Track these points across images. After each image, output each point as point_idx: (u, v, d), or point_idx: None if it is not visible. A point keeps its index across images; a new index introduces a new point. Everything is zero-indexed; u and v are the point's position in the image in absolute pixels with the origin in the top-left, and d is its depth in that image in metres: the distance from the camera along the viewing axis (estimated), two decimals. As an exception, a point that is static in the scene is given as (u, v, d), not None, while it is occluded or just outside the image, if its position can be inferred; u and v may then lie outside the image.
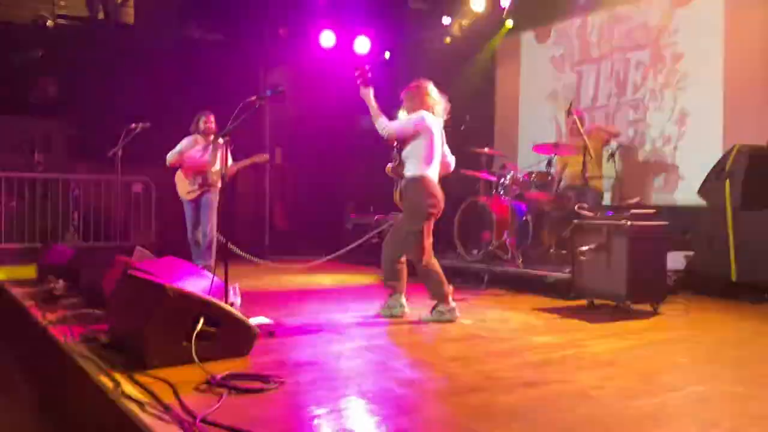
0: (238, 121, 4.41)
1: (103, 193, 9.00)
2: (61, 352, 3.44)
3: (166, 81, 9.29)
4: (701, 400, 2.87)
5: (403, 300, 4.81)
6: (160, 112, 7.32)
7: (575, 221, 5.59)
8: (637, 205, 6.24)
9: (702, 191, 6.34)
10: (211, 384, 2.83)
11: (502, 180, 7.32)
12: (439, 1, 9.99)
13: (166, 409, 2.52)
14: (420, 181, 4.64)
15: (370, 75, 4.80)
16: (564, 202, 6.83)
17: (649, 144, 7.77)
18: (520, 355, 3.64)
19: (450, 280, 4.74)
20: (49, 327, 3.93)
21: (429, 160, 4.65)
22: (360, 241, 8.33)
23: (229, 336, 3.32)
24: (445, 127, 4.90)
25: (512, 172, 7.36)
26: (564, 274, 5.83)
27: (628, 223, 5.05)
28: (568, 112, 6.74)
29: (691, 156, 7.28)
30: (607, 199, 7.62)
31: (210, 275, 4.19)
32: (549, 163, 7.27)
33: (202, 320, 3.17)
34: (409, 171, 4.69)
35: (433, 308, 4.65)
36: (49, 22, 9.48)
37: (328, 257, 8.37)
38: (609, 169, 7.33)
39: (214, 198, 6.50)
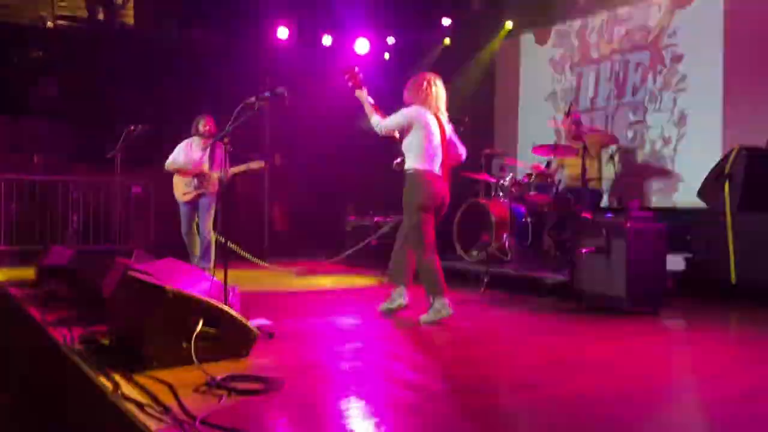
0: (237, 123, 4.41)
1: (102, 195, 8.99)
2: (60, 353, 3.44)
3: (166, 83, 9.29)
4: (701, 401, 2.87)
5: (405, 293, 4.81)
6: (159, 114, 7.32)
7: (574, 223, 5.59)
8: (637, 207, 6.24)
9: (701, 193, 6.34)
10: (211, 385, 2.82)
11: (502, 182, 7.33)
12: (438, 3, 10.01)
13: (166, 410, 2.51)
14: (415, 175, 4.66)
15: (361, 76, 4.83)
16: (563, 203, 6.84)
17: (649, 145, 7.77)
18: (519, 357, 3.64)
19: (449, 281, 4.75)
20: (48, 328, 3.93)
21: (425, 154, 4.65)
22: (363, 243, 8.32)
23: (229, 337, 3.32)
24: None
25: (511, 174, 7.37)
26: (563, 276, 5.83)
27: (628, 224, 5.06)
28: (567, 114, 6.75)
29: (690, 158, 7.28)
30: (606, 201, 7.62)
31: (209, 277, 4.18)
32: (548, 165, 7.27)
33: (201, 321, 3.17)
34: (407, 165, 4.72)
35: (429, 307, 4.65)
36: (49, 23, 9.49)
37: (333, 260, 8.37)
38: (608, 170, 7.34)
39: (211, 201, 6.50)
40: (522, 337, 4.25)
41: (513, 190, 7.17)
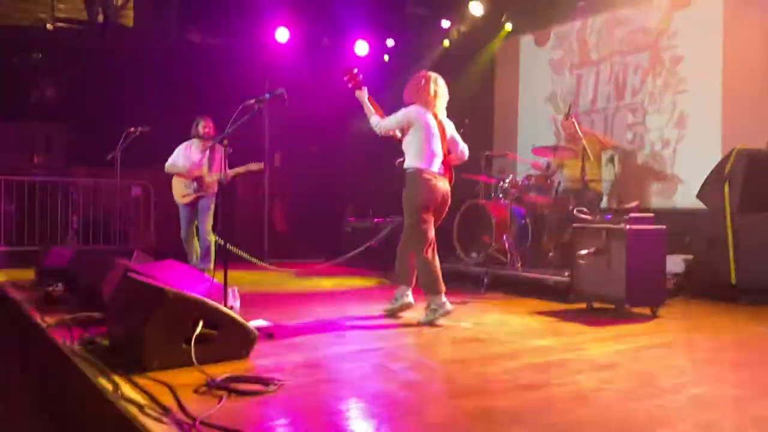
0: (236, 125, 4.42)
1: (102, 196, 9.00)
2: (60, 354, 3.44)
3: (166, 84, 9.30)
4: (701, 403, 2.87)
5: (409, 293, 4.82)
6: (159, 115, 7.32)
7: (574, 224, 5.59)
8: (636, 209, 6.25)
9: (701, 194, 6.35)
10: (211, 386, 2.82)
11: (501, 183, 7.33)
12: (438, 6, 10.01)
13: (166, 411, 2.51)
14: (414, 175, 4.67)
15: (360, 77, 4.85)
16: (563, 205, 6.84)
17: (648, 147, 7.78)
18: (519, 358, 3.63)
19: (449, 282, 4.75)
20: (48, 330, 3.93)
21: (423, 154, 4.66)
22: (366, 246, 8.31)
23: (229, 338, 3.32)
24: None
25: (511, 175, 7.37)
26: (563, 278, 5.83)
27: (627, 226, 5.06)
28: (567, 115, 6.75)
29: (690, 159, 7.29)
30: (605, 203, 7.63)
31: (209, 278, 4.19)
32: (548, 166, 7.28)
33: (201, 323, 3.17)
34: (406, 164, 4.74)
35: (427, 307, 4.65)
36: (49, 26, 9.50)
37: (334, 261, 8.36)
38: (608, 172, 7.34)
39: (210, 203, 6.50)
40: (522, 337, 4.25)
41: (513, 191, 7.18)
